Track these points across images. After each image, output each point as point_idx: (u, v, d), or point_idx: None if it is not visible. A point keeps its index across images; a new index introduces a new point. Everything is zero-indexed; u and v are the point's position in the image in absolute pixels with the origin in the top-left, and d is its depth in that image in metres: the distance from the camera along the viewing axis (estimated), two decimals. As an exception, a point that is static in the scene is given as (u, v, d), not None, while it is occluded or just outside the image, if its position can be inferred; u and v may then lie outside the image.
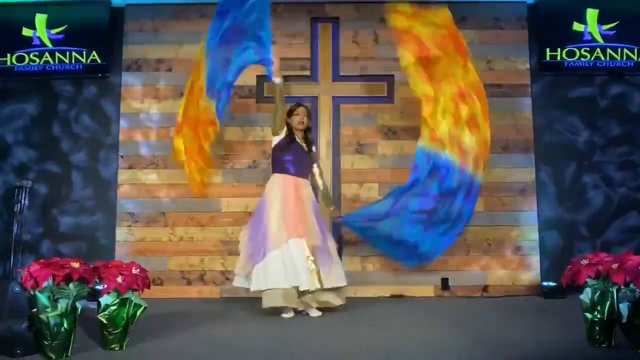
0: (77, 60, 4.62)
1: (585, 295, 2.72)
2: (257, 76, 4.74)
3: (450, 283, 4.63)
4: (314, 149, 3.96)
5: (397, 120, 4.81)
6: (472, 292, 4.59)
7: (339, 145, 4.78)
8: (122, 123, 4.77)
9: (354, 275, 4.46)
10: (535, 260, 4.66)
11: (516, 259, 4.67)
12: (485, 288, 4.64)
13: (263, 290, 3.60)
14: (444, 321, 3.73)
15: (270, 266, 3.56)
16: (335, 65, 4.80)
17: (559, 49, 4.61)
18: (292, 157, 3.78)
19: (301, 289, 3.60)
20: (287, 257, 3.58)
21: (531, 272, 4.66)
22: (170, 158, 4.47)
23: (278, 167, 3.80)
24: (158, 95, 4.79)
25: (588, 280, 2.64)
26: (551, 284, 4.49)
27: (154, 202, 4.68)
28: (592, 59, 4.59)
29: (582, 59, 4.60)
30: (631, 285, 2.51)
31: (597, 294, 2.67)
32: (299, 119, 3.84)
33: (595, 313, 2.70)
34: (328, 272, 3.69)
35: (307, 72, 4.81)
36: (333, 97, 4.79)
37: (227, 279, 4.57)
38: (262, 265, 3.57)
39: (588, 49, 4.58)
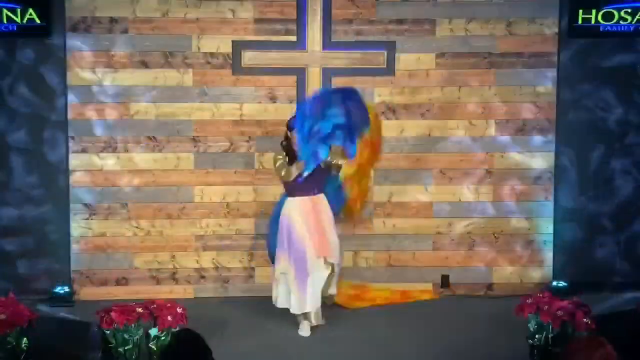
0: (9, 19, 4.23)
1: (530, 325, 3.45)
2: (234, 41, 4.40)
3: (451, 280, 4.48)
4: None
5: (398, 96, 4.50)
6: (475, 291, 4.46)
7: None
8: (71, 97, 4.40)
9: (345, 272, 4.32)
10: (548, 256, 4.51)
11: (526, 255, 4.53)
12: (489, 286, 4.50)
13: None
14: (442, 324, 3.88)
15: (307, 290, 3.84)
16: (327, 29, 4.44)
17: (594, 10, 4.28)
18: (303, 178, 3.84)
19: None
20: (318, 283, 3.88)
21: (543, 269, 4.52)
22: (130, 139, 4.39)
23: (292, 189, 3.88)
24: (113, 63, 4.40)
25: (529, 315, 3.44)
26: (562, 283, 4.41)
27: (114, 191, 4.42)
28: (635, 22, 4.26)
29: (622, 22, 4.27)
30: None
31: (537, 326, 3.42)
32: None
33: (535, 340, 3.41)
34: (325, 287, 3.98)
35: (293, 38, 4.43)
36: (323, 68, 4.46)
37: (202, 277, 4.45)
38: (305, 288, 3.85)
39: (630, 10, 4.25)
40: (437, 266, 4.48)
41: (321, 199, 3.90)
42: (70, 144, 4.37)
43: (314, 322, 3.86)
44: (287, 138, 3.85)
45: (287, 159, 3.80)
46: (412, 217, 4.46)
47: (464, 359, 3.57)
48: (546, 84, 4.45)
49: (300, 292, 3.79)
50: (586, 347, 1.89)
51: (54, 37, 4.29)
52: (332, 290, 3.99)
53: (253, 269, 4.46)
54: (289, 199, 3.87)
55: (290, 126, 3.83)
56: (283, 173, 3.80)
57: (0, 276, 4.30)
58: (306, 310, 3.81)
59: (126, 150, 4.38)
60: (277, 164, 3.82)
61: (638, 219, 4.51)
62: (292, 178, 3.79)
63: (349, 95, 3.74)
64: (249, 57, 4.37)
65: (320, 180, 3.87)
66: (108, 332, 3.33)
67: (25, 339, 3.23)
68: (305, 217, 3.82)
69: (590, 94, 4.46)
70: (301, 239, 3.78)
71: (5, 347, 3.19)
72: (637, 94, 4.46)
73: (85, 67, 4.34)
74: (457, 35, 4.42)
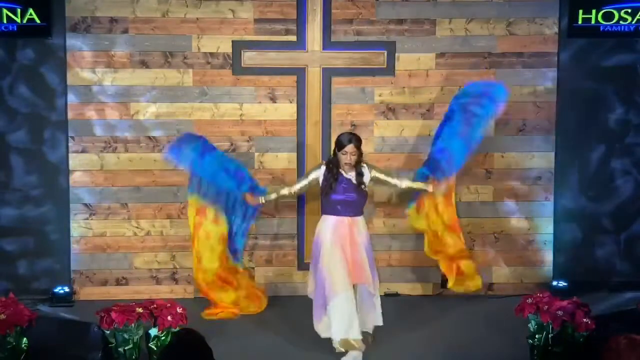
0: (9, 19, 4.22)
1: (530, 325, 3.46)
2: (234, 41, 4.38)
3: (451, 280, 4.46)
4: (365, 180, 3.70)
5: (398, 96, 4.47)
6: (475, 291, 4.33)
7: (329, 126, 4.45)
8: (71, 97, 4.39)
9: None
10: (548, 256, 4.52)
11: (526, 255, 4.53)
12: (489, 286, 4.49)
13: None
14: (442, 324, 3.90)
15: (333, 315, 3.56)
16: (327, 29, 4.42)
17: (594, 10, 4.29)
18: (342, 196, 3.63)
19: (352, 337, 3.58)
20: (345, 305, 3.54)
21: (543, 269, 4.53)
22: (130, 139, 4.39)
23: (328, 207, 3.68)
24: (113, 63, 4.39)
25: (529, 315, 3.44)
26: (562, 283, 4.41)
27: (114, 191, 4.41)
28: (635, 22, 4.24)
29: (622, 22, 4.27)
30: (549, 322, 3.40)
31: (537, 326, 3.42)
32: (346, 159, 3.61)
33: (535, 340, 3.40)
34: (365, 317, 3.67)
35: (293, 38, 4.41)
36: (323, 68, 4.43)
37: None
38: (328, 314, 3.60)
39: (630, 10, 4.25)
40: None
41: (358, 222, 3.64)
42: (70, 144, 4.35)
43: (341, 349, 3.50)
44: (334, 155, 3.63)
45: (319, 175, 3.63)
46: (413, 217, 4.46)
47: (464, 359, 3.58)
48: (546, 84, 4.44)
49: (317, 316, 3.60)
50: (627, 347, 1.83)
51: (54, 37, 4.27)
52: (376, 322, 3.61)
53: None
54: (323, 217, 3.67)
55: (340, 144, 3.58)
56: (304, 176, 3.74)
57: (0, 276, 4.29)
58: (325, 336, 3.57)
59: (126, 150, 4.37)
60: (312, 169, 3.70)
61: (638, 219, 4.50)
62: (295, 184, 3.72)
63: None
64: (249, 57, 4.35)
65: (358, 202, 3.64)
66: (108, 332, 3.33)
67: (25, 339, 3.25)
68: (340, 238, 3.57)
69: (590, 94, 4.44)
70: (326, 260, 3.54)
71: (5, 347, 3.20)
72: (637, 94, 4.45)
73: (85, 67, 4.33)
74: (457, 35, 4.40)
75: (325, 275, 3.52)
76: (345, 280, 3.49)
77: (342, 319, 3.45)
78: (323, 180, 3.64)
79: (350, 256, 3.55)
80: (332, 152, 3.71)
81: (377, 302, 3.64)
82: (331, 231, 3.57)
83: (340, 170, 3.60)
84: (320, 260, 3.56)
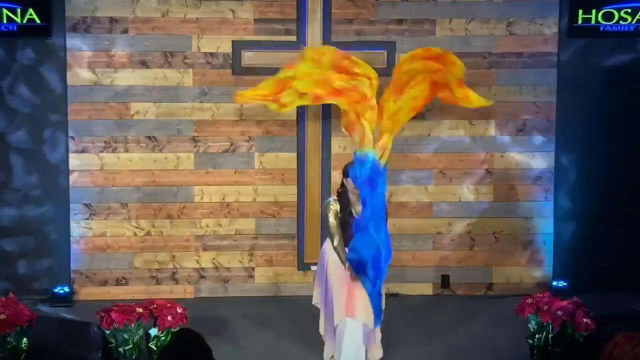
0: (9, 19, 4.22)
1: (530, 325, 3.47)
2: (234, 42, 4.38)
3: (451, 280, 4.50)
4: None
5: None
6: (475, 291, 4.47)
7: (329, 126, 4.46)
8: (71, 97, 4.40)
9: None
10: (548, 256, 4.53)
11: (526, 255, 4.55)
12: (489, 286, 4.51)
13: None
14: (442, 324, 3.89)
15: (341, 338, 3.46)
16: (327, 29, 4.44)
17: (594, 10, 4.30)
18: (351, 232, 3.43)
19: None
20: (355, 332, 3.44)
21: (543, 269, 4.54)
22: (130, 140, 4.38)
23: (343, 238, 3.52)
24: (113, 63, 4.39)
25: (529, 315, 3.46)
26: (561, 283, 4.41)
27: (114, 191, 4.41)
28: (635, 22, 4.25)
29: (622, 22, 4.28)
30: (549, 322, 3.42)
31: (537, 326, 3.44)
32: (353, 187, 3.44)
33: (535, 340, 3.42)
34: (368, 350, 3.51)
35: (293, 38, 4.43)
36: (323, 68, 4.31)
37: (202, 277, 4.47)
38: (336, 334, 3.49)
39: (630, 10, 4.26)
40: (437, 266, 4.46)
41: None
42: (70, 144, 4.35)
43: None
44: (342, 185, 3.47)
45: (338, 210, 3.43)
46: (412, 217, 4.44)
47: (464, 359, 3.58)
48: (546, 84, 4.44)
49: (327, 337, 3.49)
50: (625, 343, 1.87)
51: (54, 37, 4.28)
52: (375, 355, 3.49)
53: (253, 269, 4.45)
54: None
55: (346, 173, 3.44)
56: (331, 225, 3.41)
57: (0, 276, 4.30)
58: (327, 357, 3.50)
59: (126, 150, 4.37)
60: (329, 213, 3.42)
61: (638, 219, 4.50)
62: (335, 235, 3.42)
63: None
64: (249, 57, 4.35)
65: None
66: (108, 332, 3.34)
67: (25, 339, 3.27)
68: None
69: (590, 94, 4.44)
70: (335, 278, 3.42)
71: (5, 347, 3.22)
72: (637, 94, 4.45)
73: (85, 67, 4.33)
74: (457, 35, 4.40)
75: (334, 294, 3.41)
76: (343, 315, 3.39)
77: (350, 345, 3.35)
78: (339, 212, 3.44)
79: (346, 286, 3.39)
80: (340, 184, 3.49)
81: (377, 333, 3.45)
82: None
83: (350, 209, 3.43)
84: (329, 277, 3.44)
